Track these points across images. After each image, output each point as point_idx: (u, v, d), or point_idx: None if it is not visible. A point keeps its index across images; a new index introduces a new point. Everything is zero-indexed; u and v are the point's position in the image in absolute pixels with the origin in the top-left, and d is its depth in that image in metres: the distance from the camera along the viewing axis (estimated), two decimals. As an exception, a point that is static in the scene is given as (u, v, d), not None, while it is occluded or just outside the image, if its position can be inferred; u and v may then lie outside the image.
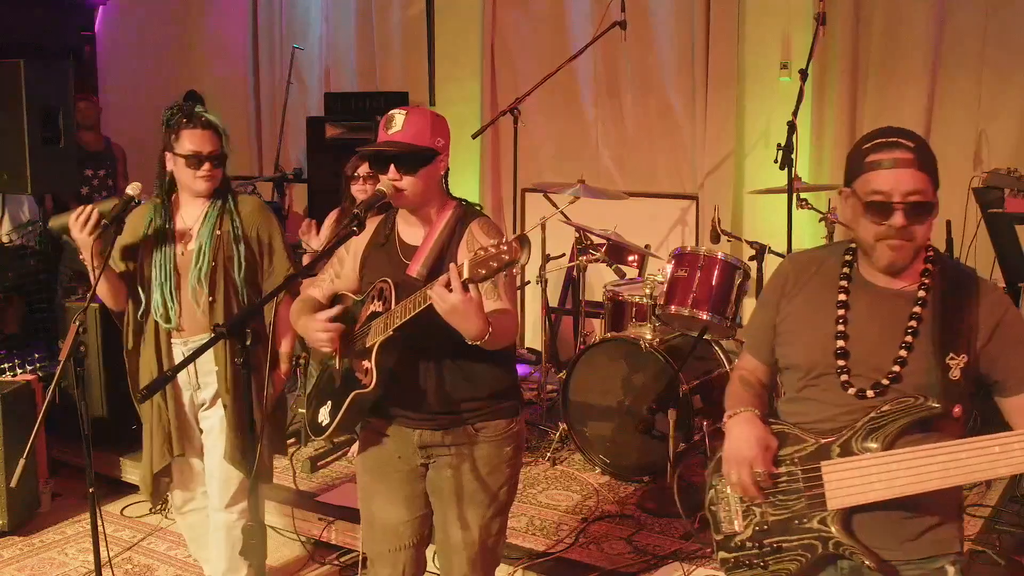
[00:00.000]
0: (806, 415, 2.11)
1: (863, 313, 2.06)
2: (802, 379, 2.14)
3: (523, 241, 2.12)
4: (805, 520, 2.05)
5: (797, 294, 2.17)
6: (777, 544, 2.09)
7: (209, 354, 3.17)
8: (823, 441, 2.05)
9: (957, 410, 1.95)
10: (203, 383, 3.28)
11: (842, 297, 2.09)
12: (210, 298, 3.17)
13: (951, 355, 1.97)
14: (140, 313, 3.25)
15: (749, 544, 2.13)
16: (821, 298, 2.12)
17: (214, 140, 3.17)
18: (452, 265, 2.20)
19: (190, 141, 3.13)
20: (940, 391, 1.95)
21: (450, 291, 2.16)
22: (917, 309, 2.02)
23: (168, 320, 3.20)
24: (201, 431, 3.35)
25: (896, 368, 2.00)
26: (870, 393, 2.01)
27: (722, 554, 2.19)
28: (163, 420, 3.31)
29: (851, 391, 2.03)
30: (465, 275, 2.15)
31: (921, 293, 2.03)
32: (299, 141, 7.55)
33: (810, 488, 2.04)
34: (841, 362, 2.05)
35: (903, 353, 2.00)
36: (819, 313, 2.10)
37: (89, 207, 3.05)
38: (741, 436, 2.12)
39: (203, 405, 3.32)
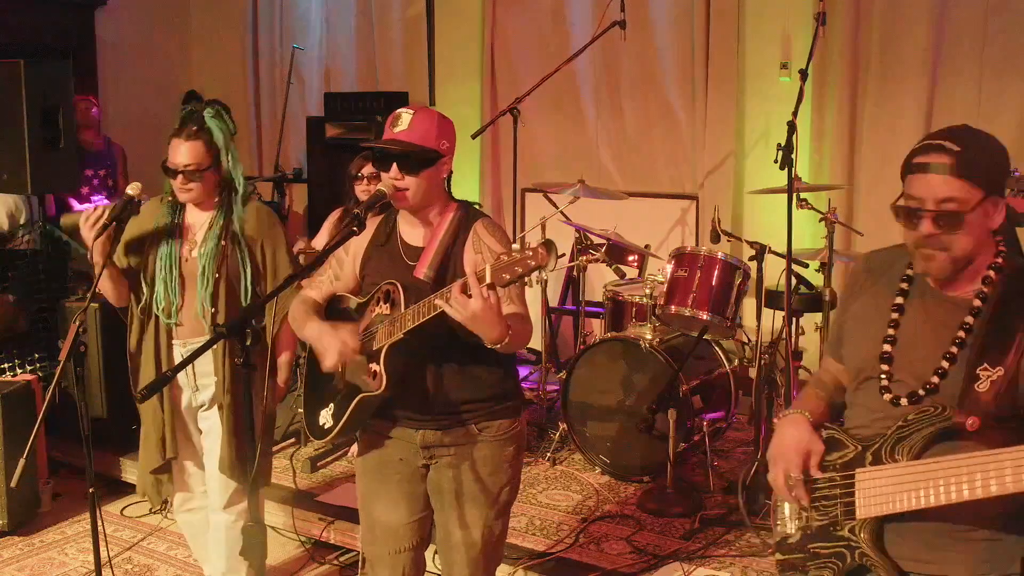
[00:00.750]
0: (852, 420, 2.08)
1: (916, 319, 2.00)
2: (853, 381, 2.10)
3: (549, 247, 2.10)
4: (839, 528, 2.01)
5: (862, 293, 2.13)
6: (815, 550, 2.06)
7: (208, 357, 3.18)
8: (861, 448, 2.01)
9: (971, 422, 1.85)
10: (201, 385, 3.28)
11: (898, 300, 2.02)
12: (212, 310, 3.17)
13: (985, 366, 1.87)
14: (141, 308, 3.27)
15: (796, 547, 2.11)
16: (881, 300, 2.06)
17: (193, 152, 3.14)
18: (472, 271, 2.19)
19: (170, 152, 3.16)
20: (959, 401, 1.87)
21: (469, 297, 2.15)
22: (969, 319, 1.93)
23: (170, 315, 3.21)
24: (200, 432, 3.35)
25: (935, 379, 1.93)
26: (904, 401, 1.95)
27: (777, 555, 2.18)
28: (158, 421, 3.31)
29: (887, 397, 1.98)
30: (488, 280, 2.14)
31: (976, 302, 1.94)
32: (299, 141, 7.55)
33: (845, 495, 2.00)
34: (885, 367, 2.00)
35: (944, 364, 1.92)
36: (875, 315, 2.05)
37: (101, 207, 3.07)
38: (780, 438, 2.11)
39: (202, 407, 3.32)
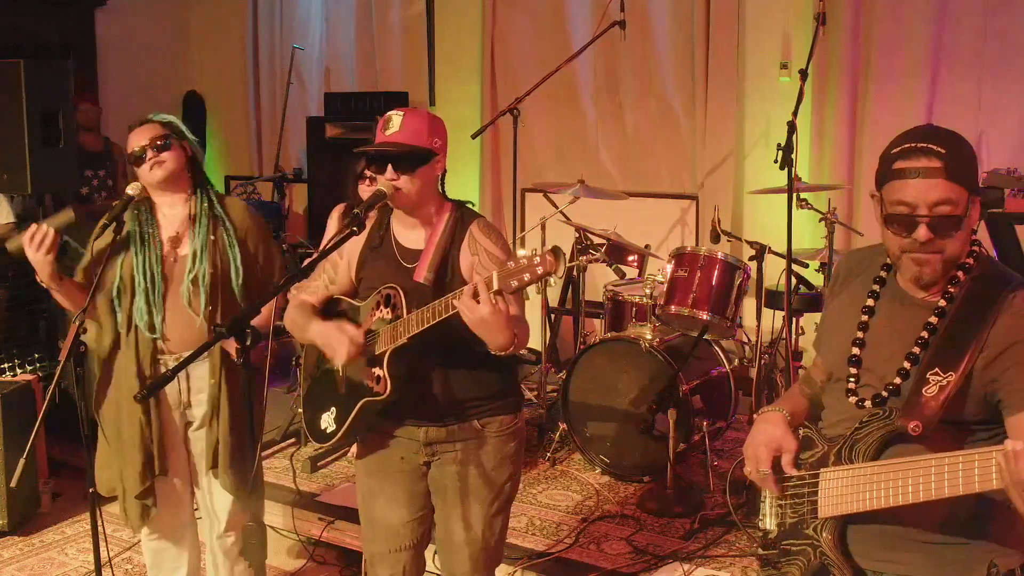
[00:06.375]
0: (824, 419, 2.10)
1: (885, 321, 2.00)
2: (827, 381, 2.12)
3: (558, 254, 2.10)
4: (805, 526, 2.04)
5: (840, 292, 2.13)
6: (787, 546, 2.09)
7: (203, 371, 3.05)
8: (827, 448, 2.02)
9: (913, 426, 1.84)
10: (194, 401, 3.11)
11: (869, 302, 2.02)
12: (208, 307, 3.00)
13: (936, 371, 1.86)
14: (118, 324, 3.04)
15: (773, 543, 2.14)
16: (855, 300, 2.05)
17: (155, 129, 3.05)
18: (479, 277, 2.20)
19: (129, 144, 3.06)
20: (905, 405, 1.88)
21: (478, 302, 2.16)
22: (933, 320, 1.92)
23: (153, 329, 3.00)
24: (189, 453, 3.18)
25: (897, 380, 1.93)
26: (867, 403, 1.96)
27: (759, 550, 2.20)
28: (144, 439, 3.06)
29: (852, 399, 1.99)
30: (496, 286, 2.14)
31: (941, 303, 1.93)
32: (299, 141, 7.55)
33: (811, 494, 2.02)
34: (853, 369, 2.00)
35: (906, 365, 1.92)
36: (848, 316, 2.05)
37: (43, 225, 2.88)
38: (753, 434, 2.13)
39: (191, 425, 3.15)
